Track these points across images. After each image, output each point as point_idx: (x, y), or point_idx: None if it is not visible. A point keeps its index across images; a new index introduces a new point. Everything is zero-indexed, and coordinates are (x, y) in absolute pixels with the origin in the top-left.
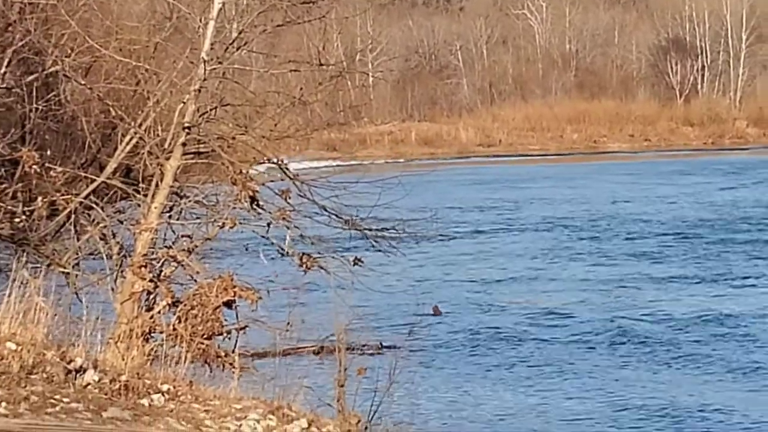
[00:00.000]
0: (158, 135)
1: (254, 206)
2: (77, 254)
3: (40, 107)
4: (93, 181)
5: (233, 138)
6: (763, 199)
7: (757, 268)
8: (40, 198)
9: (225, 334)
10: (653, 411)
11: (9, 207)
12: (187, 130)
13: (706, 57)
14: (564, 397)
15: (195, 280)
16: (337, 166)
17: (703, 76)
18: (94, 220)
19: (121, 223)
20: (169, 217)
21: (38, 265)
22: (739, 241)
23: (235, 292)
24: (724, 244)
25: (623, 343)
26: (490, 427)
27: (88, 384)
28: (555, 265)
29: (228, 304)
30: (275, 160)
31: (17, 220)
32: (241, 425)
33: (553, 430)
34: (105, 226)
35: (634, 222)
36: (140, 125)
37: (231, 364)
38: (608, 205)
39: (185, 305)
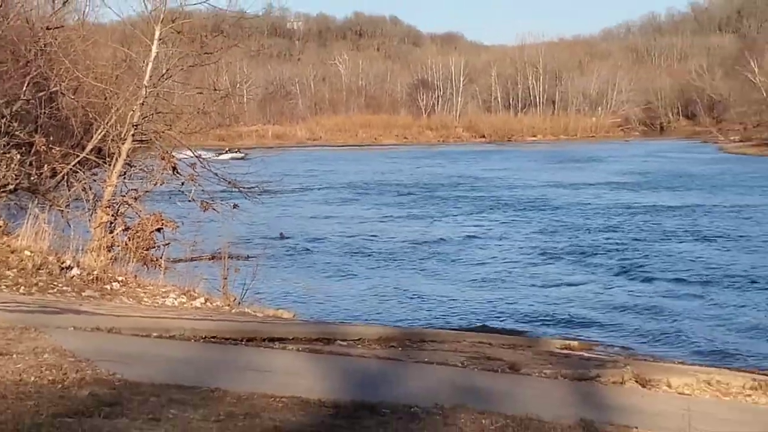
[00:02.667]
0: (118, 129)
1: (175, 173)
2: (68, 199)
3: (47, 111)
4: (78, 156)
5: (163, 132)
6: (463, 172)
7: (450, 210)
8: (46, 166)
9: (156, 247)
10: (390, 290)
11: (27, 171)
12: (135, 127)
13: (440, 90)
14: (350, 284)
15: (139, 216)
16: (226, 151)
17: (438, 101)
18: (79, 179)
19: (95, 181)
20: (124, 178)
21: (44, 206)
22: (442, 196)
23: (162, 223)
24: (433, 197)
25: (375, 252)
26: (313, 301)
27: (74, 276)
28: (345, 208)
29: (158, 230)
30: (189, 147)
31: (32, 178)
32: (165, 300)
33: (343, 303)
34: (85, 183)
35: (391, 184)
36: (107, 123)
37: (160, 265)
38: (379, 175)
39: (133, 230)
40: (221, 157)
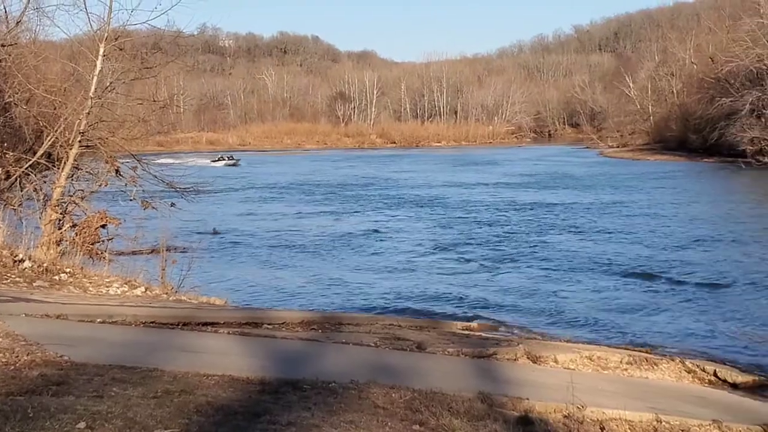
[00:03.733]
0: (66, 136)
1: (118, 174)
2: (21, 199)
3: (1, 120)
4: (30, 160)
5: (107, 139)
6: (375, 174)
7: (363, 206)
8: (0, 169)
9: (101, 242)
10: (311, 279)
11: None
12: (81, 134)
13: (356, 102)
14: (275, 273)
15: (85, 213)
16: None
17: (354, 111)
18: (30, 181)
19: (45, 183)
20: (72, 180)
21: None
22: (357, 194)
23: (106, 220)
24: (349, 195)
25: (298, 245)
26: (242, 289)
27: (25, 268)
28: (272, 205)
29: (103, 226)
30: (131, 152)
31: None
32: (109, 289)
33: (269, 291)
34: (36, 185)
35: (312, 184)
36: (56, 130)
37: (104, 258)
38: (301, 176)
39: (80, 226)
40: (216, 164)
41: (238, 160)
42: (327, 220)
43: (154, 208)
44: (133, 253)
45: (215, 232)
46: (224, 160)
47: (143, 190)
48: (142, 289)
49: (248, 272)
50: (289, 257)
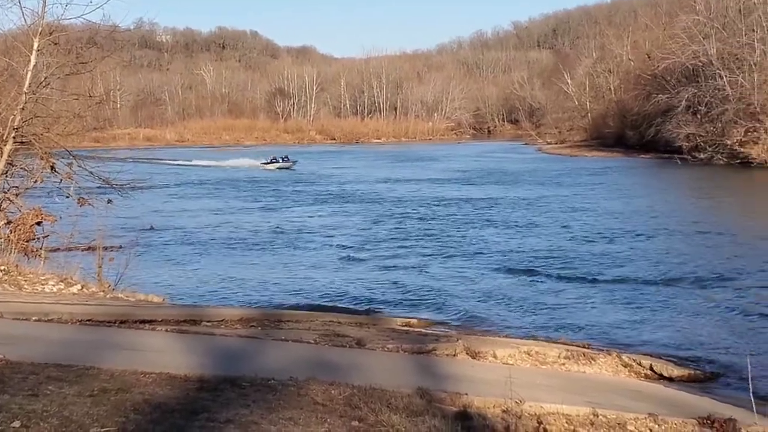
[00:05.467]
0: (0, 132)
1: (53, 171)
2: None
3: None
4: None
5: (42, 135)
6: (314, 170)
7: (301, 202)
8: None
9: (36, 239)
10: (251, 275)
11: None
12: (15, 130)
13: (296, 98)
14: (214, 270)
15: (20, 210)
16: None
17: (294, 107)
18: None
19: None
20: (6, 176)
21: None
22: (295, 190)
23: (42, 217)
24: (287, 191)
25: (236, 241)
26: (180, 286)
27: None
28: (209, 201)
29: (38, 223)
30: (67, 148)
31: None
32: (44, 287)
33: (208, 288)
34: None
35: (249, 181)
36: None
37: (40, 255)
38: (243, 171)
39: (14, 224)
40: (268, 167)
41: (295, 161)
42: (265, 216)
43: (90, 204)
44: (69, 250)
45: (153, 229)
46: (277, 162)
47: (79, 186)
48: (79, 286)
49: (186, 269)
50: (227, 253)
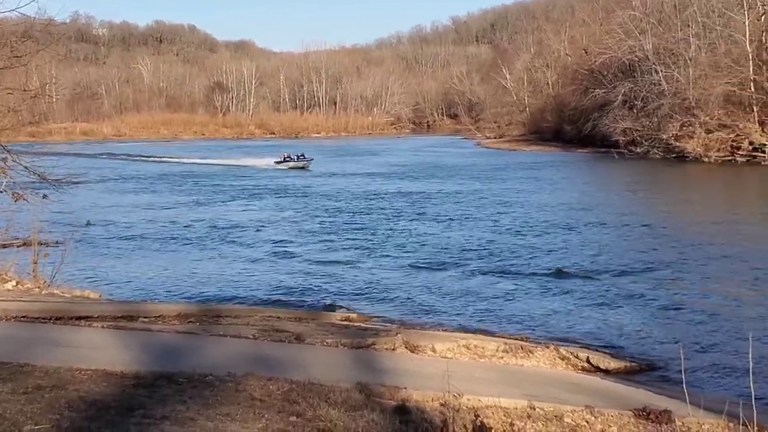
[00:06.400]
0: None
1: None
2: None
3: None
4: None
5: None
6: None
7: (237, 197)
8: None
9: None
10: (189, 270)
11: None
12: None
13: (235, 92)
14: (151, 266)
15: None
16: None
17: (233, 102)
18: None
19: None
20: None
21: None
22: (231, 185)
23: None
24: (224, 186)
25: (173, 236)
26: (118, 282)
27: None
28: (146, 196)
29: None
30: (0, 143)
31: None
32: None
33: (145, 283)
34: None
35: (187, 175)
36: None
37: None
38: (176, 167)
39: None
40: (280, 166)
41: (311, 160)
42: (203, 211)
43: (25, 200)
44: (3, 246)
45: (89, 224)
46: (291, 160)
47: (13, 182)
48: (13, 282)
49: (124, 265)
50: (165, 249)
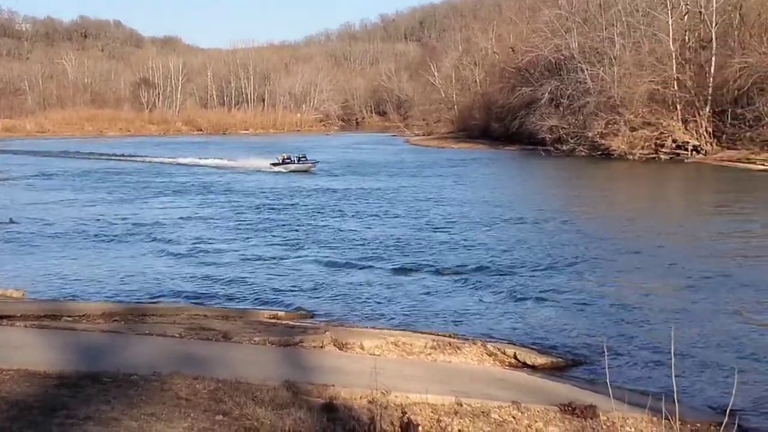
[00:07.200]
0: None
1: None
2: None
3: None
4: None
5: None
6: (180, 161)
7: (163, 194)
8: None
9: None
10: (114, 268)
11: None
12: None
13: (161, 88)
14: (76, 264)
15: None
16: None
17: (159, 98)
18: None
19: None
20: None
21: None
22: (158, 182)
23: None
24: (149, 182)
25: (98, 234)
26: (42, 280)
27: None
28: (70, 193)
29: None
30: None
31: None
32: None
33: (70, 282)
34: None
35: (111, 172)
36: None
37: None
38: (102, 163)
39: None
40: (276, 169)
41: (315, 162)
42: (128, 208)
43: None
44: None
45: (12, 222)
46: (291, 162)
47: None
48: None
49: (48, 263)
50: (90, 246)
